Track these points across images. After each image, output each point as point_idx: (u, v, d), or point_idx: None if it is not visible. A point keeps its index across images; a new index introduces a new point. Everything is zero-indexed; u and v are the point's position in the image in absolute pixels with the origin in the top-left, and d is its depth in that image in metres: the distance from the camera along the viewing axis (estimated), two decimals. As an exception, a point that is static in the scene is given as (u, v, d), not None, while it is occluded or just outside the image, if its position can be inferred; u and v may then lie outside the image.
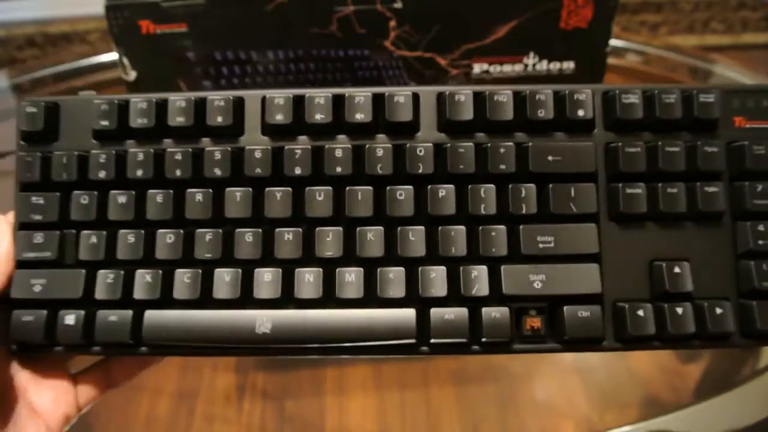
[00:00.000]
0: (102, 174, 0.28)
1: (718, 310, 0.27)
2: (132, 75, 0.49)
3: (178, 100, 0.29)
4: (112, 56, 0.49)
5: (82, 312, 0.28)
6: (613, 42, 0.50)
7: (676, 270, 0.27)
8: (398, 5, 0.47)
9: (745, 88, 0.29)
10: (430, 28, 0.49)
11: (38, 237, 0.28)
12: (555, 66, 0.51)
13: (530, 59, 0.50)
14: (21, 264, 0.28)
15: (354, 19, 0.48)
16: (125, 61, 0.48)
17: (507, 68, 0.51)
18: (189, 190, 0.28)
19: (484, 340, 0.27)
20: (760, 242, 0.27)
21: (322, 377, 0.40)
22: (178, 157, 0.28)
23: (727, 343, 0.27)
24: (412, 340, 0.27)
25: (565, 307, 0.27)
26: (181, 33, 0.47)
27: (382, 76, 0.51)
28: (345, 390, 0.40)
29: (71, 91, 0.77)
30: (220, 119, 0.29)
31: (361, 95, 0.28)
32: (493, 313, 0.27)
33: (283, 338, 0.27)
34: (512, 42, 0.49)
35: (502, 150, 0.28)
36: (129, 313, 0.28)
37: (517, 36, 0.49)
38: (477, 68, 0.51)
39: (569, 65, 0.51)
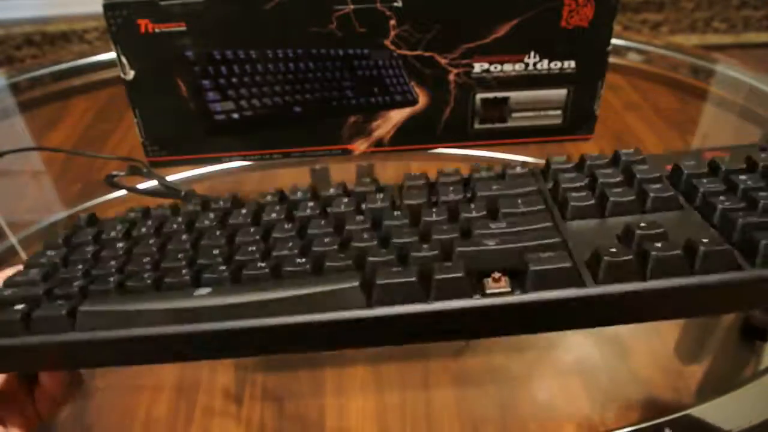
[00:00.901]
0: (112, 234, 0.33)
1: (706, 239, 0.24)
2: (130, 74, 0.49)
3: (195, 200, 0.37)
4: (111, 55, 0.49)
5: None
6: (615, 41, 0.50)
7: (644, 224, 0.25)
8: (398, 4, 0.47)
9: (665, 153, 0.32)
10: (430, 27, 0.48)
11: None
12: (556, 65, 0.51)
13: (531, 58, 0.50)
14: None
15: (354, 18, 0.48)
16: (124, 60, 0.48)
17: (508, 67, 0.51)
18: (177, 234, 0.33)
19: (438, 278, 0.24)
20: (728, 204, 0.26)
21: (321, 378, 0.40)
22: (179, 219, 0.34)
23: (738, 268, 0.24)
24: (355, 284, 0.25)
25: (527, 255, 0.25)
26: (179, 32, 0.47)
27: (382, 75, 0.51)
28: (344, 391, 0.40)
29: (69, 91, 0.77)
30: (221, 204, 0.36)
31: (335, 186, 0.34)
32: (447, 264, 0.25)
33: (223, 302, 0.25)
34: (513, 41, 0.49)
35: (451, 188, 0.32)
36: (73, 300, 0.28)
37: (517, 35, 0.49)
38: (477, 67, 0.50)
39: (570, 64, 0.51)
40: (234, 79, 0.49)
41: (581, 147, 0.62)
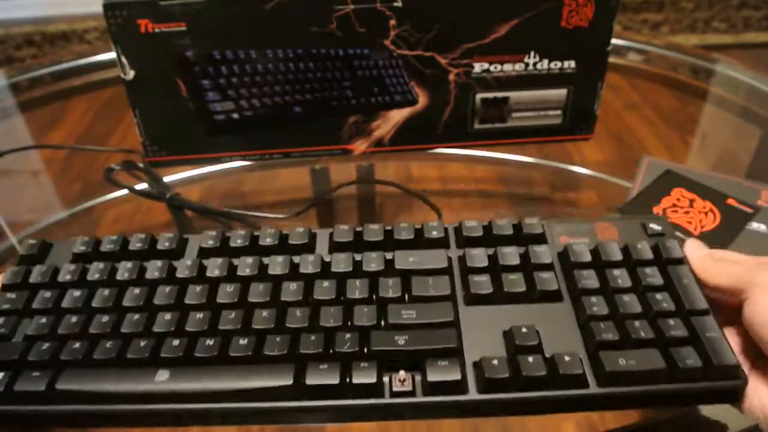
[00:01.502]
0: (67, 277, 0.36)
1: (567, 358, 0.31)
2: (130, 74, 0.49)
3: (140, 236, 0.39)
4: (111, 55, 0.49)
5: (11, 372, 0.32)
6: (615, 41, 0.50)
7: (524, 330, 0.32)
8: (398, 4, 0.47)
9: (561, 221, 0.39)
10: (430, 27, 0.48)
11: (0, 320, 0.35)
12: (556, 65, 0.51)
13: (531, 58, 0.50)
14: None
15: (354, 18, 0.48)
16: (124, 60, 0.48)
17: (508, 67, 0.51)
18: (130, 287, 0.35)
19: (355, 383, 0.30)
20: (595, 309, 0.33)
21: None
22: (129, 266, 0.37)
23: (584, 386, 0.31)
24: (289, 382, 0.30)
25: (428, 359, 0.31)
26: (179, 32, 0.47)
27: (382, 75, 0.51)
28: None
29: (69, 91, 0.77)
30: (166, 245, 0.38)
31: (270, 234, 0.38)
32: (363, 364, 0.31)
33: (180, 387, 0.31)
34: (513, 41, 0.49)
35: (374, 255, 0.36)
36: (49, 371, 0.32)
37: (517, 35, 0.49)
38: (477, 67, 0.50)
39: (570, 64, 0.51)
40: (234, 79, 0.49)
41: (581, 147, 0.62)
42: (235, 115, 0.51)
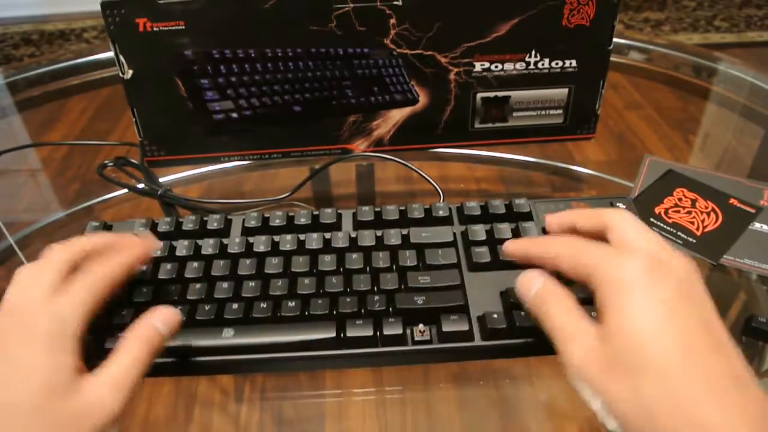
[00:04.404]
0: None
1: None
2: (129, 73, 0.48)
3: (191, 218, 0.44)
4: (109, 54, 0.49)
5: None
6: (616, 40, 0.50)
7: (514, 292, 0.37)
8: (398, 2, 0.47)
9: (544, 201, 0.45)
10: (430, 26, 0.48)
11: None
12: (557, 64, 0.50)
13: (532, 57, 0.50)
14: None
15: (353, 17, 0.47)
16: (122, 59, 0.48)
17: (508, 66, 0.50)
18: (189, 262, 0.41)
19: (385, 334, 0.36)
20: None
21: (321, 378, 0.40)
22: (185, 243, 0.42)
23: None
24: (332, 335, 0.36)
25: (441, 315, 0.37)
26: (178, 30, 0.47)
27: (382, 74, 0.50)
28: (344, 391, 0.40)
29: (67, 90, 0.77)
30: (215, 225, 0.44)
31: (303, 215, 0.44)
32: (390, 319, 0.37)
33: (244, 342, 0.37)
34: (514, 40, 0.49)
35: (392, 232, 0.42)
36: None
37: (518, 34, 0.49)
38: (478, 66, 0.50)
39: (571, 63, 0.50)
40: (233, 79, 0.49)
41: (583, 146, 0.62)
42: (234, 115, 0.51)
